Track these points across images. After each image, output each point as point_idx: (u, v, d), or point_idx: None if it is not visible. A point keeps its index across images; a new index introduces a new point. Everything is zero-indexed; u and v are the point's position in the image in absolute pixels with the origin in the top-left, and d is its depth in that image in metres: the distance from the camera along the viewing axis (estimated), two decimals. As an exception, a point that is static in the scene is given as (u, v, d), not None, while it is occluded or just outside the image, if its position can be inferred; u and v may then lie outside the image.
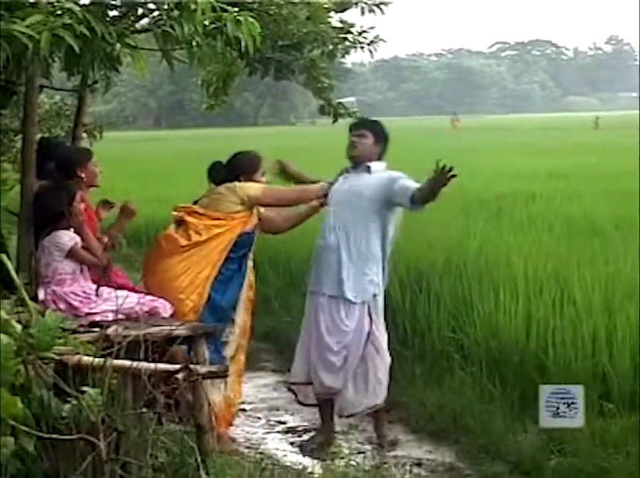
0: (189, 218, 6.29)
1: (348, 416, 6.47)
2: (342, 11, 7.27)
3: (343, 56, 7.78)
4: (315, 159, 20.42)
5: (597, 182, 16.45)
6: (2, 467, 3.07)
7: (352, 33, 7.43)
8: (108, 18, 5.27)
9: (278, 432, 6.80)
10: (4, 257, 4.62)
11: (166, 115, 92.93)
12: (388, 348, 6.51)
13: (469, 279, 8.00)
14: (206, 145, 36.98)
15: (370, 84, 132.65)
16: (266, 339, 8.68)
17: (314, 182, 6.62)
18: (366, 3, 7.15)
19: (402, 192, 6.08)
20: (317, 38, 7.13)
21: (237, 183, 6.35)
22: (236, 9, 5.31)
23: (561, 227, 10.60)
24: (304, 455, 6.24)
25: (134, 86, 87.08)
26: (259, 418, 7.00)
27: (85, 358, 3.68)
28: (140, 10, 5.53)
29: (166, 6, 5.27)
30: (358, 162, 6.38)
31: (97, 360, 3.69)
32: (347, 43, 7.46)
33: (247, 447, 6.40)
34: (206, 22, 5.21)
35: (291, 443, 6.53)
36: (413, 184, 6.08)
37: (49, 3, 4.71)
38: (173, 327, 5.23)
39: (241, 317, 6.56)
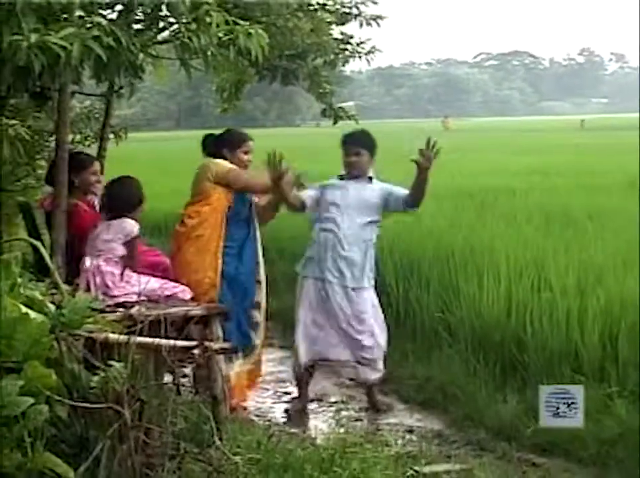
0: (183, 211, 6.30)
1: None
2: (342, 24, 7.24)
3: (343, 65, 7.75)
4: (317, 157, 20.43)
5: (572, 178, 16.43)
6: (38, 432, 3.07)
7: (351, 44, 7.41)
8: (132, 31, 5.26)
9: (284, 402, 6.81)
10: (39, 244, 4.62)
11: (184, 117, 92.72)
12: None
13: (455, 265, 8.00)
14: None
15: (367, 90, 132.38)
16: (273, 318, 8.69)
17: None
18: (364, 17, 7.13)
19: (396, 201, 6.46)
20: (319, 48, 7.11)
21: (213, 160, 6.27)
22: (247, 22, 5.31)
23: (539, 218, 10.58)
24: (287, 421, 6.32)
25: (155, 92, 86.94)
26: (267, 389, 7.01)
27: (112, 335, 3.68)
28: (161, 24, 5.52)
29: (184, 20, 5.27)
30: (358, 178, 6.54)
31: (122, 337, 3.69)
32: (347, 53, 7.44)
33: (257, 415, 6.42)
34: (220, 34, 5.20)
35: (296, 412, 6.54)
36: (402, 192, 6.42)
37: (80, 17, 4.70)
38: (190, 308, 5.23)
39: (263, 297, 6.54)
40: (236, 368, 6.27)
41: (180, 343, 4.04)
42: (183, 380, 4.48)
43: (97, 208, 5.95)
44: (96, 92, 7.01)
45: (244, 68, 7.47)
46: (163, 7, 5.24)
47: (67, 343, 3.43)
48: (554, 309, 6.62)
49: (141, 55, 5.15)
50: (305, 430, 6.02)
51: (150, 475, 3.36)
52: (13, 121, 5.01)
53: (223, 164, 6.24)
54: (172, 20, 5.45)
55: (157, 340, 3.88)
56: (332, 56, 7.38)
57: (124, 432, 3.31)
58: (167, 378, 4.24)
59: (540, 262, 7.67)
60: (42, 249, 4.36)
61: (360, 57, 7.44)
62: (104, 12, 5.23)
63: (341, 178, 6.60)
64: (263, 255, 6.59)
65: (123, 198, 5.65)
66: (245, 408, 6.43)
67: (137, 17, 5.43)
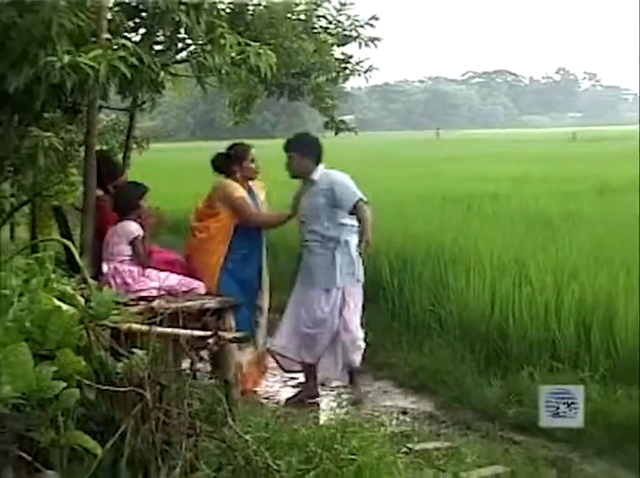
0: (195, 224, 6.32)
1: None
2: (342, 45, 7.25)
3: (344, 82, 7.76)
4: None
5: (549, 185, 16.39)
6: (70, 412, 3.09)
7: (351, 63, 7.41)
8: (154, 52, 5.28)
9: (291, 386, 6.81)
10: (70, 244, 4.62)
11: (200, 129, 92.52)
12: (379, 320, 6.52)
13: (445, 263, 8.00)
14: (232, 153, 36.80)
15: (365, 104, 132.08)
16: (280, 311, 8.67)
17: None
18: (362, 39, 7.14)
19: (343, 204, 6.16)
20: (322, 67, 7.12)
21: (225, 182, 6.27)
22: (257, 44, 5.33)
23: (520, 221, 10.58)
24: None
25: (174, 106, 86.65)
26: (275, 375, 7.00)
27: (135, 326, 3.69)
28: (179, 45, 5.54)
29: (200, 42, 5.28)
30: (299, 177, 6.41)
31: (144, 327, 3.69)
32: (347, 71, 7.45)
33: (266, 398, 6.42)
34: (233, 54, 5.23)
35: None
36: (352, 198, 6.12)
37: (107, 40, 4.72)
38: (205, 301, 5.23)
39: (266, 301, 6.53)
40: (247, 356, 6.27)
41: (196, 333, 4.05)
42: (200, 366, 4.46)
43: None
44: (121, 106, 7.02)
45: (254, 84, 7.47)
46: (181, 30, 5.26)
47: (95, 333, 3.44)
48: (534, 303, 6.63)
49: (162, 73, 5.18)
50: (310, 412, 6.02)
51: (169, 451, 3.37)
52: (47, 133, 5.00)
53: (233, 189, 6.23)
54: (189, 41, 5.48)
55: (175, 330, 3.89)
56: (333, 74, 7.40)
57: (146, 413, 3.32)
58: (185, 364, 4.24)
59: (521, 260, 7.67)
60: (73, 248, 4.36)
61: (359, 75, 7.44)
62: (129, 35, 5.27)
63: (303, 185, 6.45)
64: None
65: (120, 202, 5.68)
66: (255, 392, 6.44)
67: (158, 39, 5.45)
